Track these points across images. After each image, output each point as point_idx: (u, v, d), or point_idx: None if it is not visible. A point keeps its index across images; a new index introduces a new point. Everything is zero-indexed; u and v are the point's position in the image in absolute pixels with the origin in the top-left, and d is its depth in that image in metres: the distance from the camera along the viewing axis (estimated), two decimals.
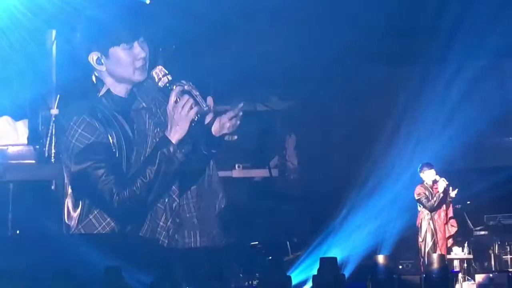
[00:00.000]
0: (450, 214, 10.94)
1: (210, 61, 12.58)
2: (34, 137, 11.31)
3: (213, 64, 12.64)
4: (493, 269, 11.40)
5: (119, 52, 7.69)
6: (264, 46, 12.27)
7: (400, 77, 13.36)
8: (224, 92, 13.30)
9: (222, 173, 12.19)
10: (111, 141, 7.54)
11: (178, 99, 7.46)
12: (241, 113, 7.73)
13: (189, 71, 11.62)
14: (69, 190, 7.87)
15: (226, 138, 7.80)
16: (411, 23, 12.26)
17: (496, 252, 11.77)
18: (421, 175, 10.96)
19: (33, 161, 11.17)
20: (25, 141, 11.36)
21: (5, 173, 11.19)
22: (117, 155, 7.54)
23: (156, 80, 7.53)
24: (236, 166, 13.60)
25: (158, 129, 7.76)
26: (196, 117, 7.47)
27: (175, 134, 7.50)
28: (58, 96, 10.81)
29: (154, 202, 7.65)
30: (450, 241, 11.08)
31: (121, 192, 7.34)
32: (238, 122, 7.79)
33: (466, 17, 11.98)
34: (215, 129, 7.86)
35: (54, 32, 10.99)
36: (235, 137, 7.90)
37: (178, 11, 11.27)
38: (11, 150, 11.30)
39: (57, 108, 10.92)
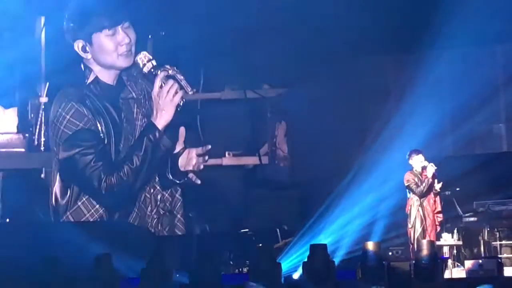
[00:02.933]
0: (438, 208, 10.95)
1: (201, 49, 12.55)
2: (24, 126, 11.29)
3: (204, 52, 12.62)
4: (483, 255, 11.43)
5: (102, 38, 7.66)
6: (255, 33, 12.26)
7: (390, 64, 13.37)
8: (215, 80, 13.30)
9: (212, 161, 12.22)
10: (99, 128, 7.54)
11: (163, 84, 7.44)
12: (207, 157, 7.75)
13: (179, 58, 11.61)
14: (57, 177, 7.87)
15: (190, 176, 7.79)
16: (400, 10, 12.27)
17: (486, 238, 11.80)
18: (410, 161, 10.97)
19: (23, 150, 11.15)
20: (15, 130, 11.34)
21: None
22: (105, 142, 7.54)
23: (141, 66, 7.50)
24: (226, 153, 13.59)
25: (146, 120, 7.76)
26: (182, 102, 7.45)
27: (161, 120, 7.49)
28: (48, 84, 10.79)
29: (142, 188, 7.66)
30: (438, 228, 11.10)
31: (109, 178, 7.35)
32: (202, 166, 7.80)
33: (456, 4, 11.98)
34: (182, 161, 7.84)
35: (43, 19, 10.95)
36: (199, 181, 7.91)
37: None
38: (0, 138, 11.28)
39: (46, 96, 10.90)
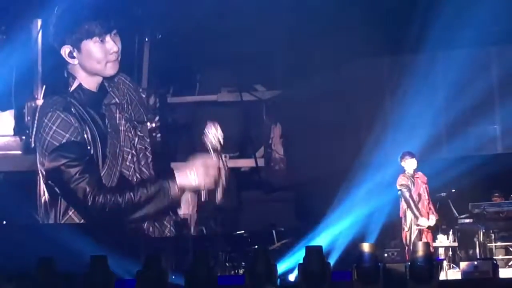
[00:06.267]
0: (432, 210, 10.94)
1: (197, 52, 12.57)
2: (20, 128, 11.26)
3: (200, 55, 12.64)
4: (478, 256, 11.43)
5: (91, 45, 7.69)
6: (250, 36, 12.28)
7: (385, 66, 13.38)
8: (211, 82, 13.32)
9: None
10: (85, 137, 7.56)
11: (213, 156, 7.53)
12: None
13: (176, 61, 11.64)
14: (43, 188, 7.90)
15: None
16: (394, 12, 12.30)
17: (481, 240, 11.79)
18: (402, 163, 10.84)
19: (19, 152, 11.13)
20: (11, 132, 11.31)
21: None
22: (91, 152, 7.56)
23: (213, 143, 7.59)
24: (223, 156, 13.63)
25: (129, 125, 7.80)
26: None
27: (185, 181, 7.56)
28: (44, 86, 10.78)
29: (132, 222, 7.68)
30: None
31: (98, 192, 7.36)
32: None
33: (451, 5, 12.02)
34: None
35: (39, 22, 10.95)
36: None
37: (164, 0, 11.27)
38: None
39: (43, 98, 10.90)
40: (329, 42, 12.32)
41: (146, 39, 11.01)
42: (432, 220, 10.74)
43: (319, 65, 13.01)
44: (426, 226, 10.62)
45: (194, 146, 11.51)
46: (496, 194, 12.26)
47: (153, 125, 11.05)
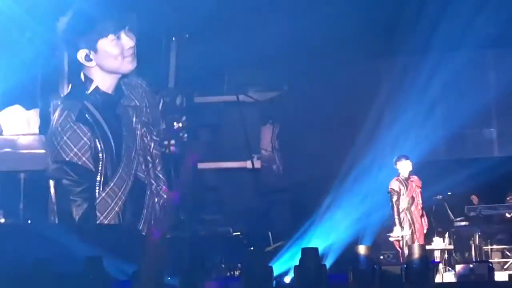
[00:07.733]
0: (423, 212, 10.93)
1: (225, 51, 12.56)
2: (45, 127, 11.14)
3: (228, 54, 12.63)
4: (474, 259, 11.44)
5: (107, 44, 7.72)
6: (248, 37, 12.29)
7: (382, 68, 13.39)
8: (208, 84, 13.33)
9: (229, 164, 12.19)
10: (98, 145, 7.58)
11: None
12: None
13: (203, 61, 11.63)
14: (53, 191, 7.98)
15: None
16: (392, 14, 12.32)
17: (477, 242, 11.81)
18: (397, 166, 10.76)
19: (44, 151, 11.00)
20: (36, 131, 11.20)
21: (16, 163, 11.03)
22: (104, 157, 7.57)
23: None
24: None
25: (145, 129, 7.82)
26: None
27: None
28: (70, 85, 10.60)
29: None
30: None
31: (85, 218, 7.39)
32: None
33: (447, 8, 12.03)
34: None
35: (65, 19, 10.86)
36: None
37: (172, 3, 11.27)
38: (22, 139, 11.17)
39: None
40: (327, 44, 12.33)
41: (173, 39, 10.99)
42: (406, 230, 10.64)
43: (316, 68, 13.02)
44: (396, 236, 10.58)
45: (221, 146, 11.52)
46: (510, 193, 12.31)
47: (180, 125, 11.08)
